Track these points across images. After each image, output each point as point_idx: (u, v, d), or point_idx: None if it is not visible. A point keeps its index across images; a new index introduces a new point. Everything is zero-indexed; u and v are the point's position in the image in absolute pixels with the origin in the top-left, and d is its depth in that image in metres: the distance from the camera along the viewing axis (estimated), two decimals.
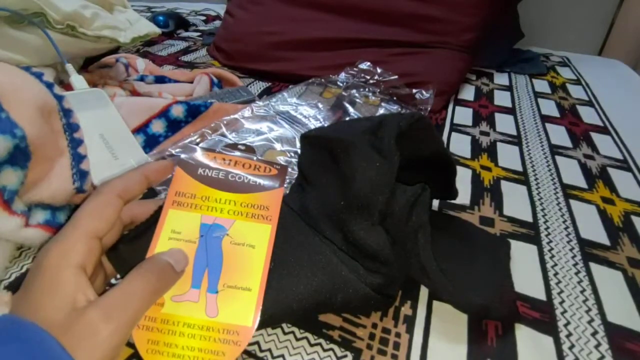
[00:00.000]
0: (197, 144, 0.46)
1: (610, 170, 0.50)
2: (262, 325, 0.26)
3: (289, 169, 0.39)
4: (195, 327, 0.24)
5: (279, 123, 0.51)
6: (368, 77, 0.64)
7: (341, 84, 0.63)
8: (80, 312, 0.20)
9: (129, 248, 0.26)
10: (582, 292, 0.32)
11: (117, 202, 0.24)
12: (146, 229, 0.26)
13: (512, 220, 0.40)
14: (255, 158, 0.31)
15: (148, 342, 0.23)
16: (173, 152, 0.44)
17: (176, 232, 0.27)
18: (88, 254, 0.22)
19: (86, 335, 0.19)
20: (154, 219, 0.27)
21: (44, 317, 0.19)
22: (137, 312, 0.21)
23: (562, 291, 0.32)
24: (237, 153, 0.31)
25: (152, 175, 0.27)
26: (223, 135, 0.48)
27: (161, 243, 0.26)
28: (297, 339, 0.27)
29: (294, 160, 0.44)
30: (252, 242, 0.27)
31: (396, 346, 0.27)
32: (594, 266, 0.35)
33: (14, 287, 0.30)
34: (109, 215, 0.23)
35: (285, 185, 0.31)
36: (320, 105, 0.56)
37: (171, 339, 0.23)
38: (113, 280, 0.28)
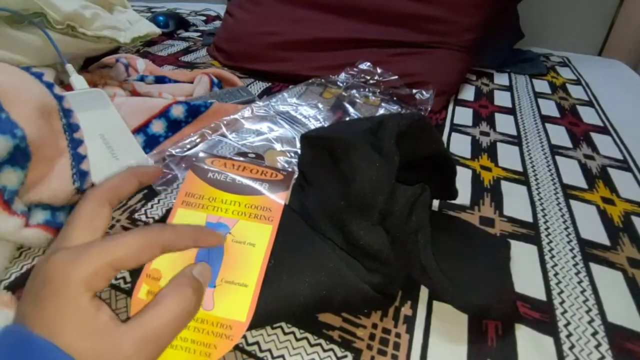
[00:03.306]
0: (197, 144, 0.46)
1: (610, 171, 0.50)
2: (262, 323, 0.27)
3: (289, 170, 0.39)
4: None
5: (279, 123, 0.51)
6: (368, 78, 0.64)
7: (341, 84, 0.63)
8: (114, 338, 0.19)
9: None
10: (582, 292, 0.32)
11: (156, 253, 0.23)
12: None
13: (512, 220, 0.40)
14: (264, 164, 0.32)
15: None
16: (173, 152, 0.44)
17: None
18: (106, 283, 0.21)
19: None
20: (164, 218, 0.28)
21: (64, 338, 0.18)
22: (171, 339, 0.21)
23: (562, 291, 0.32)
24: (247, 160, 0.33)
25: (143, 178, 0.27)
26: (223, 135, 0.48)
27: None
28: (297, 339, 0.27)
29: (294, 160, 0.44)
30: (252, 241, 0.28)
31: (396, 346, 0.27)
32: (594, 266, 0.35)
33: (14, 287, 0.30)
34: (143, 261, 0.22)
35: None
36: (320, 106, 0.56)
37: None
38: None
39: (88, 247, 0.21)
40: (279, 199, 0.30)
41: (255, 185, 0.31)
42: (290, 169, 0.34)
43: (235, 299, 0.25)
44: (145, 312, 0.20)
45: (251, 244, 0.28)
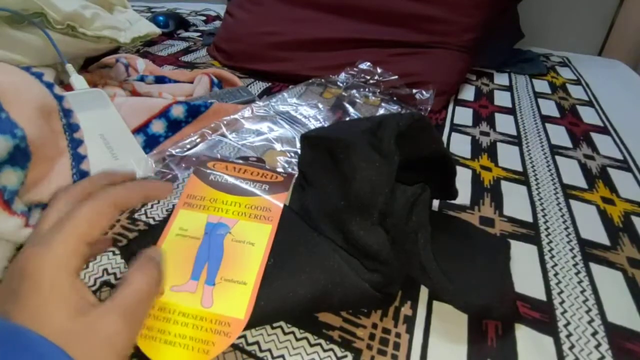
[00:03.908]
0: (197, 144, 0.46)
1: (610, 171, 0.50)
2: (263, 322, 0.27)
3: (289, 170, 0.39)
4: (189, 316, 0.25)
5: (279, 123, 0.51)
6: (368, 78, 0.64)
7: (341, 84, 0.63)
8: (94, 315, 0.20)
9: (140, 243, 0.28)
10: (582, 292, 0.32)
11: (113, 213, 0.23)
12: (158, 227, 0.29)
13: (512, 220, 0.40)
14: (265, 167, 0.33)
15: (143, 327, 0.24)
16: (173, 152, 0.44)
17: (183, 229, 0.29)
18: (82, 260, 0.21)
19: (103, 338, 0.19)
20: (165, 218, 0.29)
21: (50, 328, 0.19)
22: (147, 310, 0.23)
23: (562, 291, 0.32)
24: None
25: (151, 193, 0.27)
26: (223, 135, 0.48)
27: (169, 238, 0.28)
28: (297, 339, 0.27)
29: (294, 160, 0.44)
30: (252, 240, 0.28)
31: (396, 346, 0.27)
32: (594, 266, 0.35)
33: None
34: (104, 225, 0.22)
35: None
36: (320, 106, 0.56)
37: (165, 326, 0.24)
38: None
39: (54, 232, 0.21)
40: (279, 199, 0.31)
41: (256, 186, 0.31)
42: (290, 170, 0.34)
43: (234, 296, 0.25)
44: (119, 293, 0.21)
45: (250, 243, 0.28)
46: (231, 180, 0.32)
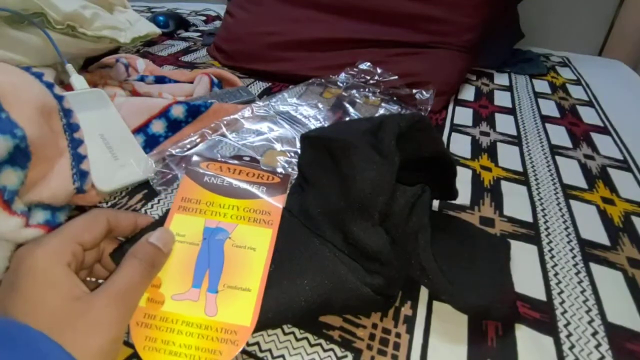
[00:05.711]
0: (197, 144, 0.46)
1: (610, 171, 0.50)
2: (263, 327, 0.26)
3: (289, 170, 0.39)
4: (193, 326, 0.24)
5: (279, 123, 0.51)
6: (368, 78, 0.64)
7: (341, 84, 0.63)
8: (85, 301, 0.20)
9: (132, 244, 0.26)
10: (582, 292, 0.32)
11: (104, 224, 0.25)
12: (152, 230, 0.27)
13: (512, 220, 0.40)
14: (259, 167, 0.32)
15: (146, 339, 0.24)
16: (173, 152, 0.44)
17: (180, 235, 0.28)
18: (74, 256, 0.23)
19: (93, 322, 0.20)
20: (159, 223, 0.28)
21: (44, 313, 0.20)
22: (137, 298, 0.23)
23: (562, 291, 0.32)
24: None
25: (141, 221, 0.28)
26: (223, 135, 0.48)
27: None
28: (297, 340, 0.27)
29: (294, 160, 0.44)
30: (253, 245, 0.28)
31: (396, 346, 0.27)
32: (594, 266, 0.35)
33: None
34: (96, 231, 0.25)
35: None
36: (320, 106, 0.56)
37: (169, 336, 0.24)
38: None
39: (46, 234, 0.24)
40: (277, 202, 0.30)
41: (253, 188, 0.31)
42: (284, 172, 0.34)
43: (238, 303, 0.25)
44: (110, 280, 0.22)
45: (252, 248, 0.28)
46: (227, 182, 0.31)
